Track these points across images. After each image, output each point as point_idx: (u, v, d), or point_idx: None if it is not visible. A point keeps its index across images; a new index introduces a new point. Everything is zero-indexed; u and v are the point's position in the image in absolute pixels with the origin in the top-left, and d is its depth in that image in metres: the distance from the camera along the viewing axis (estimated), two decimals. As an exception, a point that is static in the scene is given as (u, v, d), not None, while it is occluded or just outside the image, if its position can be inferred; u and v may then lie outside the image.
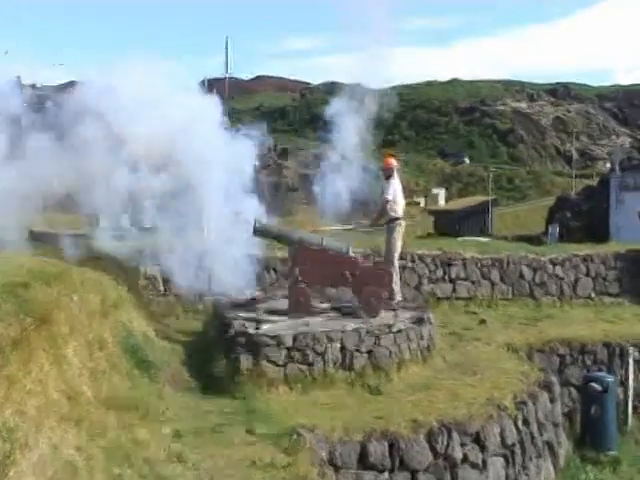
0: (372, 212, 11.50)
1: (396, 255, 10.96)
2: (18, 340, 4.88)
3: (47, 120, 11.13)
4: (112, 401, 6.17)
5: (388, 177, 11.03)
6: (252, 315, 9.77)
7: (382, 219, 11.06)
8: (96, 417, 5.57)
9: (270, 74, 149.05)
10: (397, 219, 10.87)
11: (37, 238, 12.31)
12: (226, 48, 22.96)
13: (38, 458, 4.22)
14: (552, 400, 9.99)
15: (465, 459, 7.81)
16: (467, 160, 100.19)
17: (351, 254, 10.49)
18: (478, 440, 7.96)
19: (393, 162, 11.23)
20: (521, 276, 14.78)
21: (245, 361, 8.49)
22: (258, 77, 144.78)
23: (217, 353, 9.02)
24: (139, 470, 5.25)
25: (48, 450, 4.44)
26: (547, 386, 9.92)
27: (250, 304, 10.54)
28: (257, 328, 8.97)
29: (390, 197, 10.81)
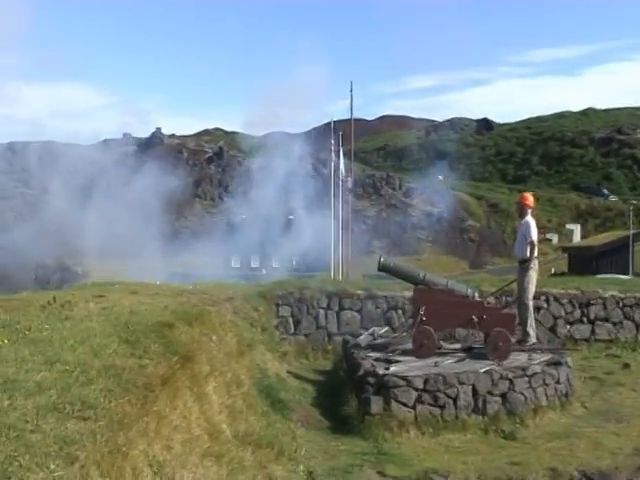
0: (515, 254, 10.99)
1: (530, 296, 10.61)
2: (166, 378, 5.22)
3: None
4: (249, 439, 6.40)
5: (524, 214, 10.75)
6: (381, 355, 9.80)
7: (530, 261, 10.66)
8: (234, 454, 5.80)
9: (393, 113, 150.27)
10: (527, 259, 10.54)
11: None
12: (351, 91, 23.59)
13: (183, 492, 4.47)
14: None
15: (611, 514, 7.32)
16: (609, 194, 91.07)
17: (477, 297, 10.29)
18: (625, 494, 7.45)
19: (530, 199, 10.94)
20: (669, 317, 13.76)
21: (375, 402, 8.49)
22: (382, 117, 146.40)
23: (347, 393, 9.10)
24: (276, 509, 5.39)
25: (192, 485, 4.69)
26: (702, 438, 9.11)
27: (379, 344, 10.58)
28: (386, 368, 8.97)
29: (535, 238, 10.53)
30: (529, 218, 10.69)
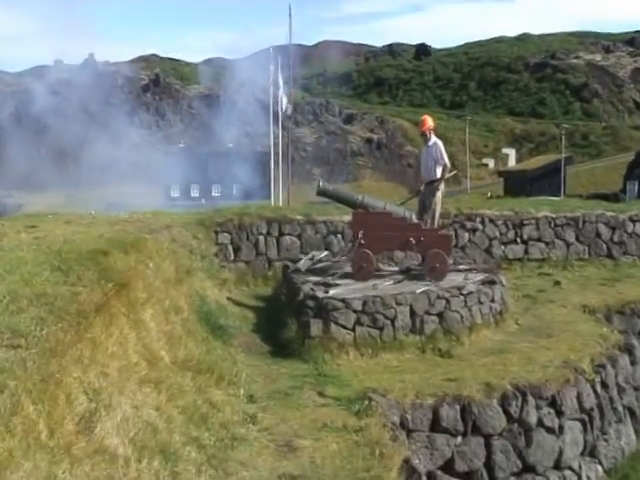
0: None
1: (437, 216, 10.77)
2: (100, 305, 5.07)
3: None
4: (188, 365, 6.36)
5: (429, 137, 10.79)
6: (321, 279, 9.84)
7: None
8: (173, 380, 5.76)
9: (332, 39, 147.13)
10: (437, 180, 10.68)
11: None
12: (290, 16, 22.62)
13: (121, 418, 4.41)
14: (633, 363, 9.71)
15: (540, 424, 7.68)
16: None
17: (414, 220, 10.38)
18: (554, 404, 7.82)
19: (429, 122, 10.98)
20: (598, 235, 14.29)
21: (314, 325, 8.57)
22: (321, 42, 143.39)
23: (287, 318, 9.14)
24: (215, 432, 5.41)
25: (130, 411, 4.63)
26: (628, 349, 9.65)
27: (319, 268, 10.62)
28: (326, 292, 9.02)
29: (448, 161, 10.73)
30: (436, 139, 10.77)
